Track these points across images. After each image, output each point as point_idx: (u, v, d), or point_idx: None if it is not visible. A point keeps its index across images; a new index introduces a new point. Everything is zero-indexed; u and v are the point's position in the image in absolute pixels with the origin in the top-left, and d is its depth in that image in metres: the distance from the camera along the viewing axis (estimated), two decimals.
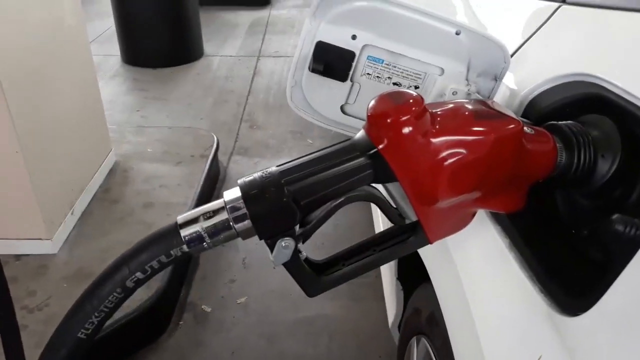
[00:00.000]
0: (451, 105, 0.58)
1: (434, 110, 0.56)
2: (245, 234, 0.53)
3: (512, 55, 0.78)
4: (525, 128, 0.58)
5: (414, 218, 0.59)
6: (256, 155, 2.95)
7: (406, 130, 0.53)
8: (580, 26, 0.78)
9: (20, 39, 1.73)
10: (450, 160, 0.54)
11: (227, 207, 0.53)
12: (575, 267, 0.56)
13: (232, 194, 0.53)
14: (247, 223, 0.52)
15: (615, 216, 0.50)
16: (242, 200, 0.52)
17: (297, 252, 0.55)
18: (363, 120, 0.58)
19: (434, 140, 0.54)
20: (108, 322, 0.57)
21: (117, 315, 1.59)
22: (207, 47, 4.44)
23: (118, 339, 1.64)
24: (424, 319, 0.99)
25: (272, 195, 0.52)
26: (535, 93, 0.70)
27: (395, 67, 0.73)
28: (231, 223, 0.52)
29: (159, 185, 2.35)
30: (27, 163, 1.75)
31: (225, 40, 4.75)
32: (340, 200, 0.55)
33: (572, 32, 0.79)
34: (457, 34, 0.70)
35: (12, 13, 1.68)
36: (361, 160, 0.55)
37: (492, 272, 0.69)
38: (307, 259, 0.58)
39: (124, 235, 2.01)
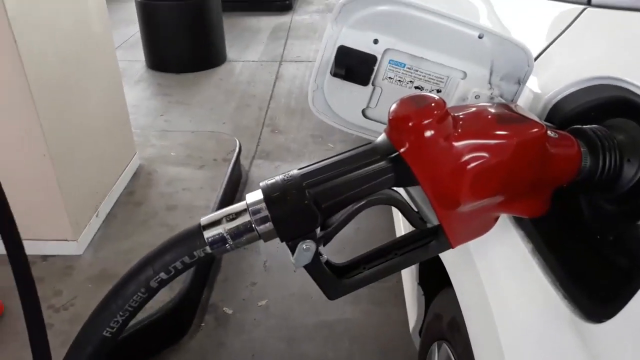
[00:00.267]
0: (473, 109, 0.58)
1: (456, 114, 0.55)
2: (267, 236, 0.54)
3: (536, 59, 0.77)
4: (548, 132, 0.57)
5: (435, 222, 0.58)
6: (277, 159, 2.96)
7: (428, 133, 0.53)
8: (606, 29, 0.77)
9: (50, 46, 1.77)
10: (472, 164, 0.54)
11: (250, 209, 0.53)
12: (599, 273, 0.55)
13: (254, 196, 0.54)
14: (268, 225, 0.53)
15: None
16: (264, 203, 0.53)
17: (318, 254, 0.55)
18: (384, 124, 0.58)
19: (456, 143, 0.54)
20: (131, 323, 0.58)
21: (140, 316, 1.62)
22: (230, 52, 4.49)
23: (141, 340, 1.66)
24: (446, 324, 0.98)
25: (294, 197, 0.52)
26: (560, 97, 0.69)
27: (417, 70, 0.73)
28: (253, 225, 0.53)
29: (182, 188, 2.38)
30: (54, 166, 1.78)
31: (247, 45, 4.80)
32: (361, 204, 0.55)
33: (598, 34, 0.78)
34: (480, 37, 0.69)
35: (43, 21, 1.72)
36: (382, 163, 0.55)
37: (515, 278, 0.69)
38: (327, 262, 0.59)
39: (147, 238, 2.04)
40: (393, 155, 0.55)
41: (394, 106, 0.56)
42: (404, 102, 0.55)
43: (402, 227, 1.60)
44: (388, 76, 0.74)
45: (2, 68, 1.60)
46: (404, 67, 0.73)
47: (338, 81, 0.75)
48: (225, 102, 3.65)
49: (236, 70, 4.22)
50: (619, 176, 0.57)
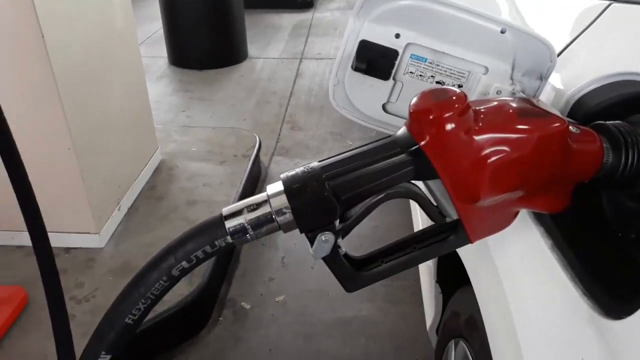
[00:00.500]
0: (495, 103, 0.58)
1: (477, 108, 0.55)
2: (286, 227, 0.54)
3: (559, 55, 0.77)
4: (570, 127, 0.57)
5: (454, 216, 0.58)
6: (297, 155, 2.97)
7: (449, 126, 0.53)
8: (631, 25, 0.76)
9: (76, 42, 1.80)
10: (493, 158, 0.54)
11: (270, 200, 0.54)
12: (619, 270, 0.55)
13: (274, 187, 0.54)
14: (288, 216, 0.53)
15: None
16: (284, 194, 0.53)
17: (336, 247, 0.56)
18: (405, 118, 0.58)
19: (476, 137, 0.54)
20: (150, 316, 0.59)
21: (159, 309, 1.64)
22: (251, 49, 4.51)
23: (159, 333, 1.68)
24: (463, 322, 0.98)
25: (314, 189, 0.53)
26: (582, 92, 0.68)
27: (438, 65, 0.73)
28: (273, 216, 0.54)
29: (203, 183, 2.40)
30: (78, 160, 1.82)
31: (268, 42, 4.82)
32: (380, 197, 0.55)
33: (622, 30, 0.77)
34: (502, 32, 0.69)
35: (69, 17, 1.76)
36: (402, 156, 0.55)
37: (534, 274, 0.68)
38: (346, 255, 0.59)
39: (168, 231, 2.07)
40: (413, 148, 0.55)
41: (414, 99, 0.56)
42: (425, 95, 0.55)
43: (420, 222, 1.60)
44: (409, 71, 0.74)
45: (30, 63, 1.64)
46: (425, 61, 0.73)
47: (359, 75, 0.75)
48: (245, 98, 3.67)
49: (257, 67, 4.25)
50: None
